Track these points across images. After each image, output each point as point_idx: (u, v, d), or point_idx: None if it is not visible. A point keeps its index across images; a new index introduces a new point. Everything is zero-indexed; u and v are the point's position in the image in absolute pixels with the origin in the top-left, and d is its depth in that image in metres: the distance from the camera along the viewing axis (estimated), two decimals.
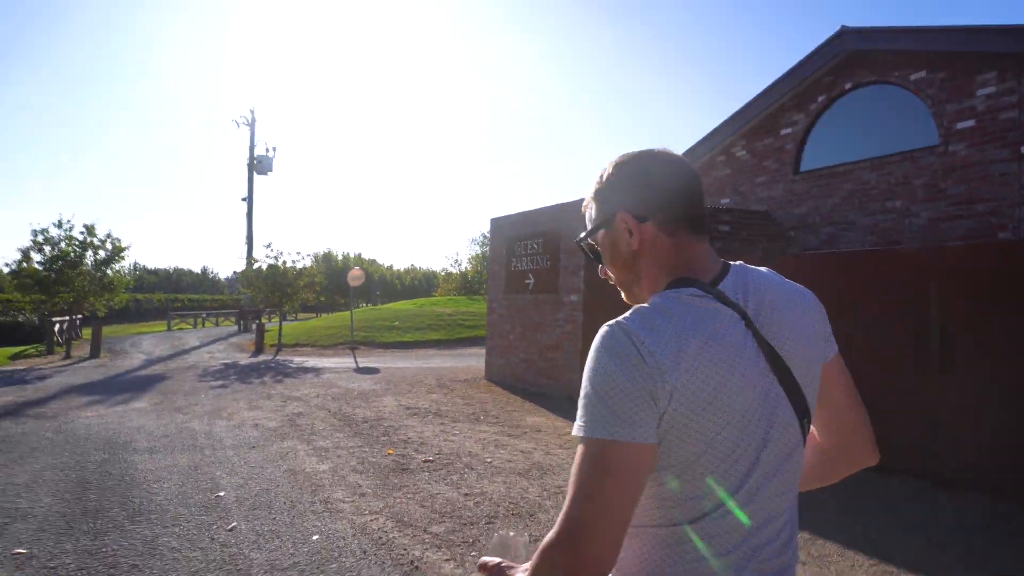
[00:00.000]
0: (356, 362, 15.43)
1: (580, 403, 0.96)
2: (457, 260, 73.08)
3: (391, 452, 6.43)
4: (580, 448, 0.93)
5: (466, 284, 66.77)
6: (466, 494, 5.13)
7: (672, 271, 1.07)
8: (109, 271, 20.13)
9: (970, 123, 8.47)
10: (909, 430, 5.60)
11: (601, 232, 1.15)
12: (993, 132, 8.23)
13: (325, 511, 4.72)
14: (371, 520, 4.55)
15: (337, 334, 21.17)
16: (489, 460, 6.17)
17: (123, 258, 20.44)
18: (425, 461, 6.12)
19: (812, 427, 1.15)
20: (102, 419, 8.19)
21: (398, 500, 4.98)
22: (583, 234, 1.19)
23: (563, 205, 10.42)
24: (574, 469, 0.92)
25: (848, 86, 10.06)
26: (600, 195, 1.15)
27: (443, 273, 73.13)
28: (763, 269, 1.13)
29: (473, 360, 15.40)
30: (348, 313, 26.33)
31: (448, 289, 59.07)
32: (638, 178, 1.11)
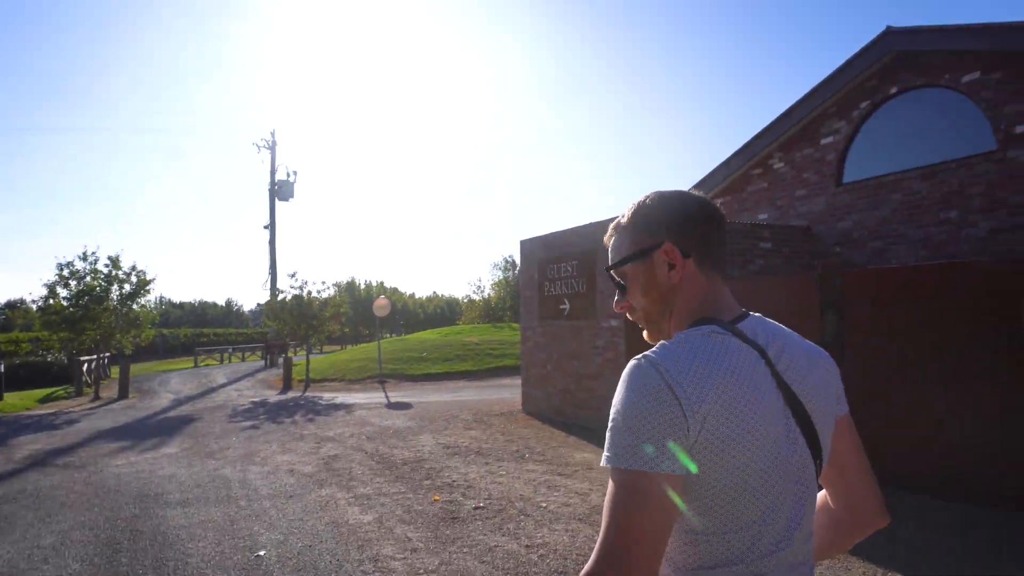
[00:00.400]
0: (387, 397, 15.08)
1: (609, 434, 0.97)
2: (480, 287, 72.86)
3: (437, 499, 6.02)
4: (613, 478, 0.95)
5: (489, 311, 66.50)
6: (527, 546, 4.71)
7: (700, 309, 1.10)
8: (135, 305, 19.88)
9: None
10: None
11: (634, 263, 1.15)
12: None
13: (376, 571, 4.33)
14: None
15: (365, 367, 20.88)
16: (544, 504, 5.74)
17: (149, 291, 20.12)
18: (476, 508, 5.70)
19: (820, 492, 1.19)
20: (132, 467, 7.89)
21: (454, 555, 4.57)
22: (617, 260, 1.18)
23: (598, 224, 10.05)
24: (607, 501, 0.94)
25: (894, 91, 9.63)
26: (638, 225, 1.15)
27: (466, 300, 72.98)
28: (779, 324, 1.15)
29: (507, 392, 14.98)
30: (374, 344, 26.06)
31: (472, 317, 58.87)
32: (681, 213, 1.13)
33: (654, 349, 1.01)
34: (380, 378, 18.95)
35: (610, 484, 0.95)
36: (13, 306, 18.61)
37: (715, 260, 1.13)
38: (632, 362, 1.00)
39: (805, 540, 1.05)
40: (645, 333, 1.19)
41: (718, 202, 11.05)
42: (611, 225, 1.22)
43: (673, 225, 1.12)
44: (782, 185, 11.42)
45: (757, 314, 1.14)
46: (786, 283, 7.23)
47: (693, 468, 0.94)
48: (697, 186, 12.71)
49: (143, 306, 20.41)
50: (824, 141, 10.74)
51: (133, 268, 19.83)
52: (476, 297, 73.40)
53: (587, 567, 0.91)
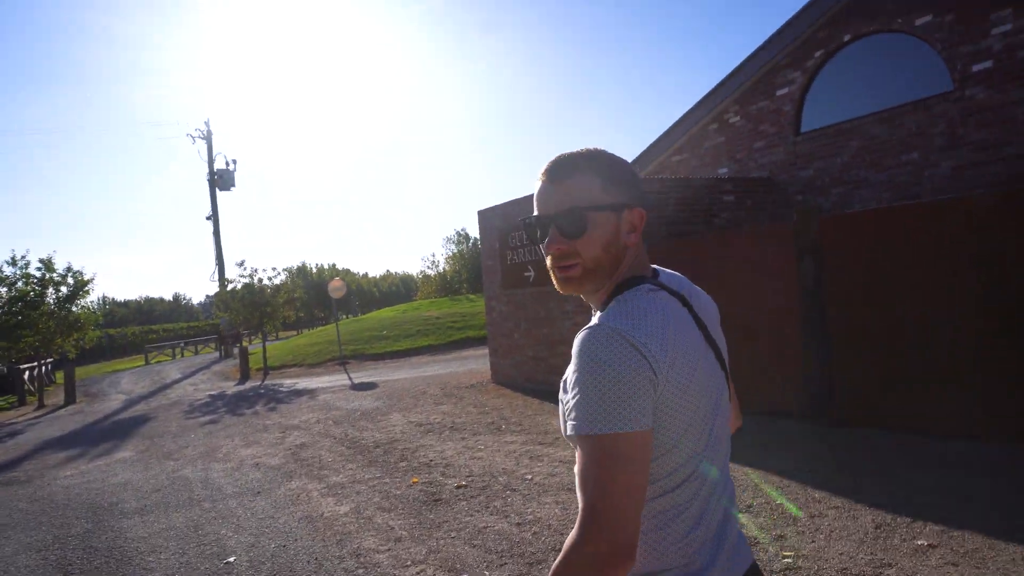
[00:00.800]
0: (350, 378, 14.63)
1: (575, 402, 1.00)
2: (434, 261, 71.99)
3: (416, 481, 5.71)
4: (586, 445, 0.97)
5: (446, 285, 65.90)
6: (518, 524, 4.44)
7: (632, 270, 1.17)
8: (74, 308, 18.80)
9: (987, 64, 7.93)
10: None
11: (605, 214, 1.13)
12: (1013, 71, 7.72)
13: (359, 567, 4.01)
14: (418, 572, 3.85)
15: (324, 350, 20.31)
16: (529, 477, 5.49)
17: (88, 292, 18.96)
18: (458, 487, 5.42)
19: None
20: (83, 477, 7.35)
21: (442, 541, 4.28)
22: (587, 204, 1.12)
23: None
24: (582, 467, 0.97)
25: (847, 38, 9.50)
26: (611, 178, 1.15)
27: (421, 276, 72.17)
28: (680, 275, 1.26)
29: (473, 363, 14.69)
30: (332, 326, 25.43)
31: (428, 292, 58.27)
32: (639, 180, 1.20)
33: (608, 316, 1.06)
34: (341, 360, 18.44)
35: (582, 451, 0.98)
36: None
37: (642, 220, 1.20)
38: (586, 332, 1.03)
39: (726, 458, 1.19)
40: (562, 283, 1.17)
41: (675, 159, 10.79)
42: (552, 165, 1.16)
43: (638, 189, 1.17)
44: (740, 138, 11.26)
45: (662, 268, 1.24)
46: (760, 233, 7.07)
47: (656, 421, 1.02)
48: (655, 144, 12.50)
49: (83, 308, 19.25)
50: (779, 92, 10.59)
51: (69, 269, 18.72)
52: (431, 272, 72.55)
53: (574, 535, 0.95)
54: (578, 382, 1.00)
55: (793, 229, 6.31)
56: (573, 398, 1.00)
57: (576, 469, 0.99)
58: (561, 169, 1.14)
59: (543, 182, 1.16)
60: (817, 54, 9.90)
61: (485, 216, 11.61)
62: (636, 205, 1.16)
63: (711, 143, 11.74)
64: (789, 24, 9.98)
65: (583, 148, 1.17)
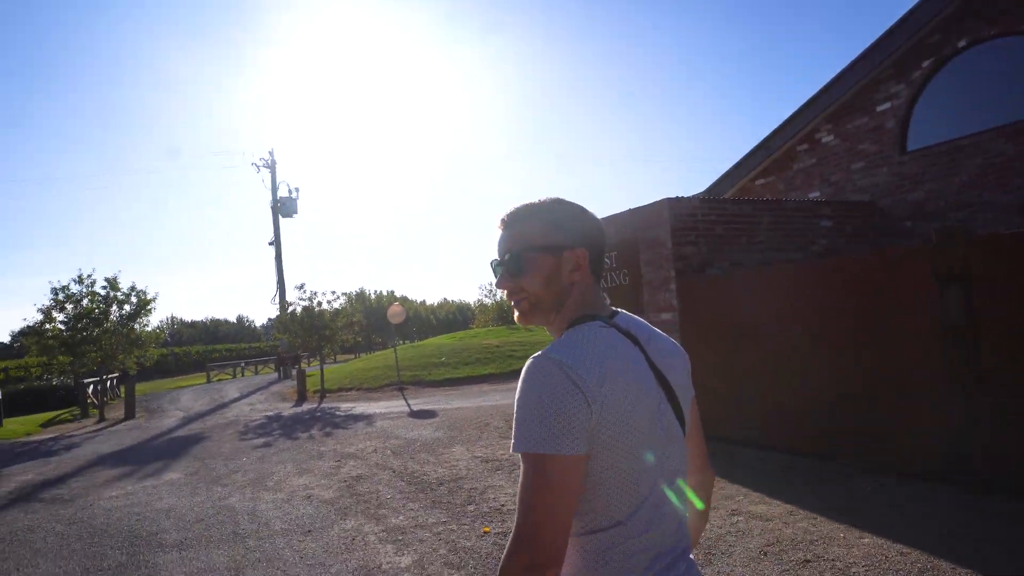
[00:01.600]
0: (409, 405, 14.04)
1: (516, 424, 1.09)
2: (492, 290, 71.77)
3: (488, 530, 4.97)
4: (523, 463, 1.06)
5: (503, 314, 65.42)
6: None
7: (583, 307, 1.27)
8: (136, 326, 18.98)
9: None
10: None
11: (543, 254, 1.26)
12: None
13: None
14: None
15: (382, 375, 19.88)
16: None
17: (150, 311, 19.08)
18: None
19: None
20: (127, 499, 6.90)
21: None
22: (526, 246, 1.27)
23: (640, 210, 9.01)
24: (519, 484, 1.06)
25: (962, 44, 8.54)
26: (553, 222, 1.27)
27: (477, 304, 71.97)
28: (640, 319, 1.32)
29: None
30: (390, 351, 25.13)
31: (485, 320, 57.91)
32: (586, 223, 1.30)
33: (552, 348, 1.14)
34: (399, 385, 17.94)
35: (522, 469, 1.07)
36: (26, 333, 17.53)
37: (599, 270, 1.31)
38: (531, 360, 1.12)
39: (679, 494, 1.23)
40: (517, 316, 1.32)
41: (759, 183, 9.88)
42: (506, 215, 1.32)
43: (586, 234, 1.29)
44: (834, 159, 10.33)
45: (623, 311, 1.31)
46: (886, 258, 6.10)
47: (591, 450, 1.09)
48: (736, 167, 11.66)
49: (144, 326, 19.41)
50: (880, 108, 9.65)
51: (132, 288, 18.90)
52: (488, 301, 72.39)
53: (508, 543, 1.05)
54: (519, 404, 1.09)
55: (931, 253, 5.38)
56: (515, 419, 1.10)
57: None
58: (511, 218, 1.31)
59: (500, 230, 1.32)
60: (925, 63, 8.96)
61: None
62: (579, 246, 1.26)
63: (801, 165, 10.84)
64: (894, 29, 9.08)
65: (539, 199, 1.31)
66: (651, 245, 8.61)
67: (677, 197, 8.41)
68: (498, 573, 1.04)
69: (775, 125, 11.04)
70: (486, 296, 72.37)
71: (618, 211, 9.51)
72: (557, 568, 1.02)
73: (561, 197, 1.32)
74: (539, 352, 1.13)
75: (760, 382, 7.10)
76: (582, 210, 1.31)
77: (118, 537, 5.49)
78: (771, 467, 6.24)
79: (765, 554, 4.14)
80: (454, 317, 74.25)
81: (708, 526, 4.76)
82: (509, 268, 1.28)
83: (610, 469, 1.09)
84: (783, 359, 6.86)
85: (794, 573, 3.83)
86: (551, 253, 1.25)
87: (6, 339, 51.70)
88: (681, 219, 8.33)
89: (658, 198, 8.60)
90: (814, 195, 10.48)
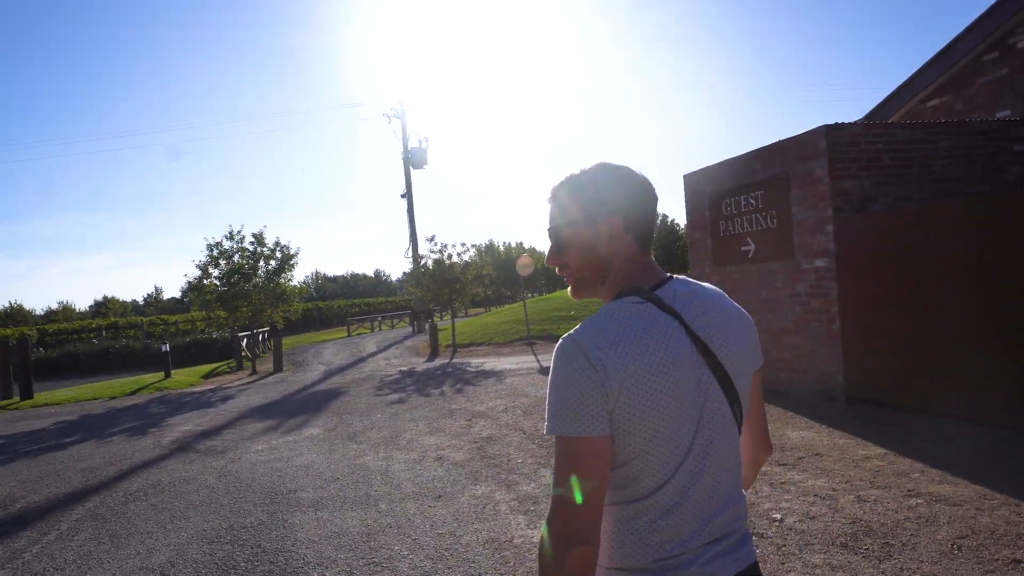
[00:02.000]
0: (538, 361, 13.85)
1: (547, 405, 1.12)
2: None
3: None
4: (556, 443, 1.11)
5: None
6: None
7: (627, 279, 1.23)
8: (281, 280, 19.94)
9: None
10: None
11: (578, 227, 1.24)
12: None
13: None
14: None
15: (511, 329, 19.87)
16: (778, 517, 4.11)
17: (294, 266, 19.82)
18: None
19: None
20: (271, 454, 7.14)
21: None
22: (563, 221, 1.26)
23: (788, 141, 8.00)
24: (555, 461, 1.11)
25: None
26: (589, 193, 1.24)
27: None
28: (706, 285, 1.26)
29: None
30: (519, 305, 25.11)
31: None
32: (627, 190, 1.24)
33: (578, 327, 1.15)
34: (528, 340, 17.84)
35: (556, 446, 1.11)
36: (190, 289, 19.01)
37: (648, 235, 1.26)
38: (560, 341, 1.14)
39: (722, 473, 1.19)
40: (570, 290, 1.33)
41: (930, 105, 8.41)
42: (551, 188, 1.30)
43: (623, 201, 1.23)
44: None
45: (680, 276, 1.26)
46: None
47: (615, 429, 1.10)
48: (902, 87, 10.14)
49: (288, 281, 20.24)
50: None
51: (277, 244, 19.64)
52: None
53: (547, 515, 1.10)
54: (549, 386, 1.13)
55: None
56: (547, 400, 1.13)
57: None
58: (553, 192, 1.29)
59: (548, 204, 1.31)
60: None
61: (692, 181, 10.09)
62: (613, 215, 1.22)
63: (987, 78, 9.19)
64: None
65: (582, 168, 1.27)
66: (804, 180, 7.63)
67: (835, 124, 7.36)
68: (541, 540, 1.10)
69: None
70: None
71: (764, 145, 8.52)
72: (587, 544, 1.07)
73: (605, 162, 1.27)
74: (569, 332, 1.15)
75: (939, 342, 6.11)
76: (621, 175, 1.26)
77: (260, 493, 5.62)
78: (952, 439, 5.36)
79: (958, 548, 3.44)
80: None
81: (882, 509, 4.07)
82: (552, 245, 1.29)
83: (629, 447, 1.12)
84: (968, 315, 5.83)
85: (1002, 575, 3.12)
86: (586, 225, 1.24)
87: (177, 294, 57.40)
88: (840, 149, 7.29)
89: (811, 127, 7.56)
90: (1004, 114, 8.90)
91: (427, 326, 22.00)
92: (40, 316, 50.59)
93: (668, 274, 1.25)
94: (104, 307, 58.00)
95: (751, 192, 8.61)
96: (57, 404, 13.67)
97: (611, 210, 1.22)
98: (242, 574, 3.93)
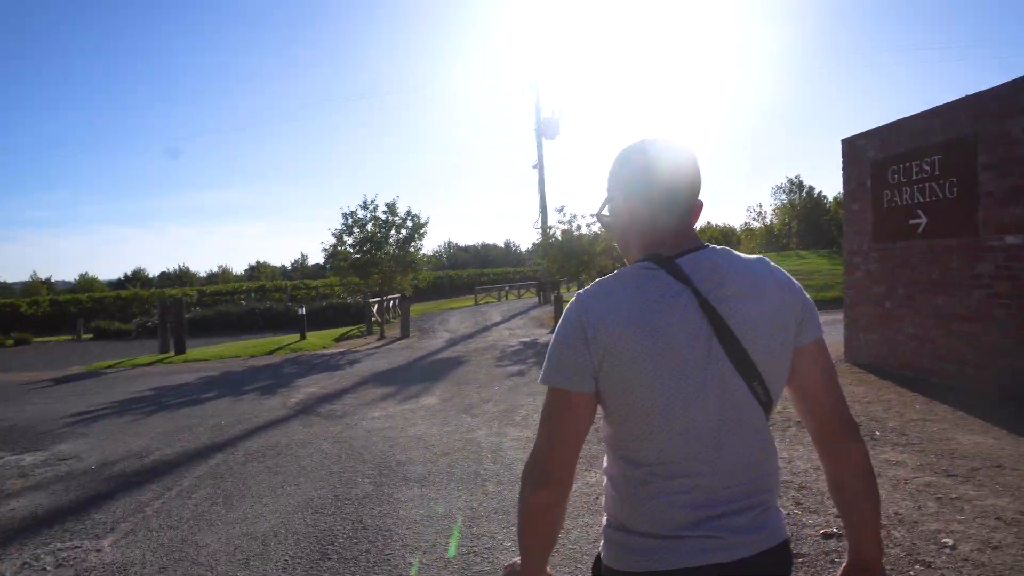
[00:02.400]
0: None
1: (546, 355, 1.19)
2: (760, 213, 66.37)
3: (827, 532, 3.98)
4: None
5: (772, 239, 60.33)
6: None
7: (647, 247, 1.22)
8: (411, 248, 20.34)
9: None
10: None
11: (610, 203, 1.30)
12: None
13: None
14: None
15: None
16: (949, 543, 3.37)
17: (423, 235, 20.12)
18: (825, 535, 3.58)
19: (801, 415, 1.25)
20: (387, 421, 7.11)
21: None
22: (598, 209, 1.34)
23: (976, 98, 6.77)
24: (542, 408, 1.18)
25: None
26: (616, 165, 1.28)
27: (744, 229, 67.24)
28: (746, 256, 1.22)
29: None
30: None
31: (751, 247, 54.06)
32: (635, 169, 1.23)
33: (588, 286, 1.20)
34: None
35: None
36: (330, 256, 19.92)
37: (671, 204, 1.20)
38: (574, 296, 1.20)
39: (733, 450, 1.14)
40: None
41: None
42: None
43: (627, 179, 1.24)
44: None
45: (720, 247, 1.21)
46: None
47: (602, 388, 1.13)
48: None
49: (418, 249, 20.56)
50: None
51: (408, 213, 19.98)
52: (756, 224, 67.07)
53: (527, 460, 1.18)
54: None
55: None
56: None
57: None
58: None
59: None
60: None
61: (852, 145, 8.93)
62: (624, 189, 1.25)
63: None
64: None
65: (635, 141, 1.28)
66: (997, 143, 6.42)
67: None
68: (522, 478, 1.19)
69: None
70: (754, 220, 67.24)
71: (942, 103, 7.29)
72: (547, 487, 1.14)
73: (651, 138, 1.25)
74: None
75: None
76: (622, 152, 1.27)
77: (371, 463, 5.53)
78: None
79: None
80: (717, 242, 70.36)
81: None
82: (600, 220, 1.37)
83: (624, 408, 1.12)
84: None
85: None
86: (617, 199, 1.28)
87: (320, 260, 61.10)
88: None
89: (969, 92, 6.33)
90: None
91: (553, 297, 21.71)
92: (203, 278, 55.67)
93: (706, 244, 1.21)
94: (256, 271, 62.90)
95: (925, 157, 7.43)
96: (204, 360, 14.73)
97: (622, 183, 1.25)
98: (339, 551, 3.78)
